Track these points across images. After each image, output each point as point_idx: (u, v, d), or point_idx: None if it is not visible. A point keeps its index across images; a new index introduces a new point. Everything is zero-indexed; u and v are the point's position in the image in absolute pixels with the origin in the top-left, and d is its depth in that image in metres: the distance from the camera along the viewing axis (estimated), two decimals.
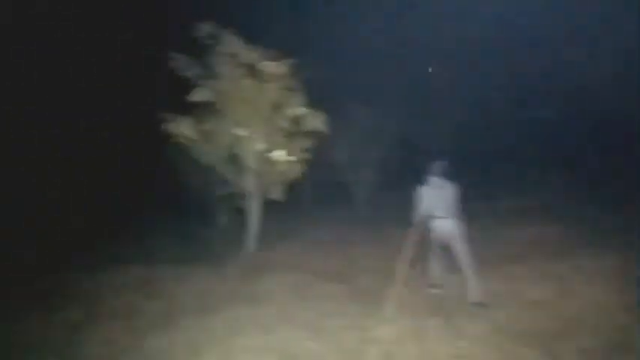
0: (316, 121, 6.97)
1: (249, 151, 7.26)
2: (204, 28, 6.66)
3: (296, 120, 7.14)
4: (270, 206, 7.90)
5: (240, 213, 7.80)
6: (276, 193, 7.44)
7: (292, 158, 7.26)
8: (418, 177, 5.22)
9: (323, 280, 5.70)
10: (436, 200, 4.95)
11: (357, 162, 12.88)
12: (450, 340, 3.80)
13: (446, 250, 5.10)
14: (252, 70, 6.95)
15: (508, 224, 8.32)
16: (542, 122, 14.77)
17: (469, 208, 5.14)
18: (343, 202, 13.75)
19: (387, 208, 11.63)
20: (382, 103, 13.34)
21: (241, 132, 6.96)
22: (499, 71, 15.21)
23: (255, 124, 7.03)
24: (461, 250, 4.86)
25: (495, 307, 4.48)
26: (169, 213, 12.83)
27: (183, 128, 6.81)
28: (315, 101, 7.21)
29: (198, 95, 6.75)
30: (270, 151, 7.37)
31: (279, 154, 7.28)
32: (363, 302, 4.85)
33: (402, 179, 12.91)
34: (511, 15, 13.82)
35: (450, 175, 5.10)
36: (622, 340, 3.55)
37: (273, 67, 6.86)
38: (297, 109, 6.97)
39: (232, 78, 6.88)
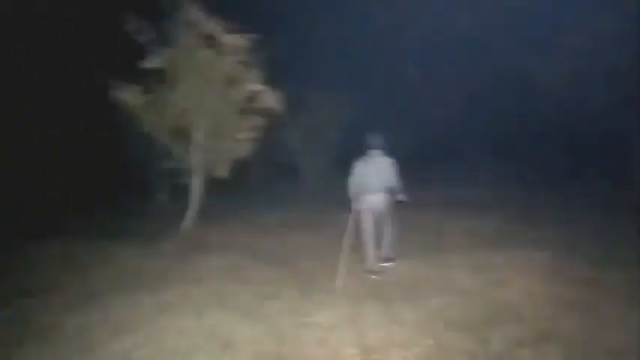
0: (271, 100, 6.72)
1: (198, 124, 6.93)
2: None
3: (250, 97, 6.87)
4: (214, 184, 7.62)
5: (183, 190, 7.47)
6: (222, 171, 7.16)
7: (242, 136, 7.01)
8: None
9: (262, 262, 5.56)
10: (371, 174, 4.89)
11: (308, 147, 12.81)
12: (388, 326, 3.75)
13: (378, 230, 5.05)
14: (210, 41, 6.63)
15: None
16: None
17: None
18: (291, 184, 13.64)
19: (336, 193, 11.62)
20: (346, 90, 13.32)
21: (191, 104, 6.60)
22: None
23: (207, 97, 6.71)
24: (387, 225, 4.91)
25: (430, 295, 4.46)
26: (113, 187, 12.29)
27: (129, 96, 6.37)
28: (271, 80, 6.96)
29: (150, 62, 6.32)
30: (219, 126, 7.07)
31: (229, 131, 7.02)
32: (301, 286, 4.72)
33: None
34: None
35: (388, 149, 5.04)
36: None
37: (232, 39, 6.55)
38: (253, 85, 6.70)
39: (188, 47, 6.54)
